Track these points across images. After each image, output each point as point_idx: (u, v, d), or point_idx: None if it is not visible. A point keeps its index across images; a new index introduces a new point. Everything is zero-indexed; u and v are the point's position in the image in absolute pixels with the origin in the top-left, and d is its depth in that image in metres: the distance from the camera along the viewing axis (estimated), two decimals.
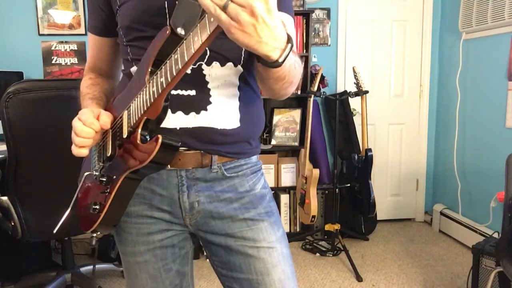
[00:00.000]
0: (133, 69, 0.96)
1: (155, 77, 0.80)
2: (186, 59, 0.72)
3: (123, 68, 1.03)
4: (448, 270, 2.76)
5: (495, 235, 2.44)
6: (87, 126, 0.88)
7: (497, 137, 2.89)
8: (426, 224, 3.67)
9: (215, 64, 0.91)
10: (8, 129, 1.73)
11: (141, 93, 0.84)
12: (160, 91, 0.79)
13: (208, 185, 0.95)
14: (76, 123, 0.89)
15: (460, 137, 3.28)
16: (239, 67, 0.94)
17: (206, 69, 0.90)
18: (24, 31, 3.13)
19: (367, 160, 2.87)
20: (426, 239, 3.32)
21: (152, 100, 0.80)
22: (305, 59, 3.25)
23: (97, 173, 0.96)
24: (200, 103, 0.90)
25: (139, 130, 0.84)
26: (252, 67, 0.96)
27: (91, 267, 2.43)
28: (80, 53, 3.18)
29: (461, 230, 3.19)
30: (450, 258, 2.96)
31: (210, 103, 0.91)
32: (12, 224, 1.87)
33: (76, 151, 0.89)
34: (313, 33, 3.42)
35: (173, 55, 0.76)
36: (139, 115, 0.84)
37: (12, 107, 1.70)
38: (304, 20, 3.23)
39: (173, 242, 1.02)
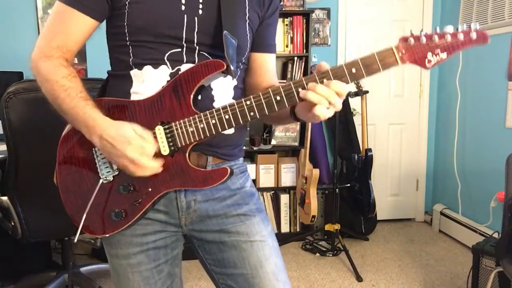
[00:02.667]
0: (134, 72, 0.95)
1: (216, 112, 0.88)
2: (267, 113, 0.87)
3: (114, 68, 1.00)
4: (448, 270, 2.76)
5: (495, 235, 2.44)
6: (151, 161, 0.88)
7: (497, 137, 2.89)
8: (426, 224, 3.67)
9: (220, 74, 0.95)
10: (8, 129, 1.73)
11: (193, 121, 0.89)
12: (226, 127, 0.89)
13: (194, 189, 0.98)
14: (141, 158, 0.85)
15: (460, 137, 3.28)
16: (235, 80, 1.02)
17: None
18: (24, 31, 3.13)
19: (367, 160, 2.87)
20: (426, 239, 3.32)
21: (213, 133, 0.89)
22: (305, 59, 3.25)
23: (108, 179, 0.94)
24: (205, 108, 0.93)
25: (187, 155, 0.91)
26: (240, 80, 1.05)
27: (91, 267, 2.43)
28: (80, 53, 3.18)
29: (461, 230, 3.19)
30: (450, 258, 2.96)
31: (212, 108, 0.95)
32: (12, 224, 1.87)
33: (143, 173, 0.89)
34: (313, 33, 3.42)
35: (245, 102, 0.87)
36: (191, 140, 0.90)
37: (12, 107, 1.70)
38: (304, 20, 3.23)
39: (166, 243, 1.03)
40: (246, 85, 1.12)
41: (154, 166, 0.88)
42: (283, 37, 3.22)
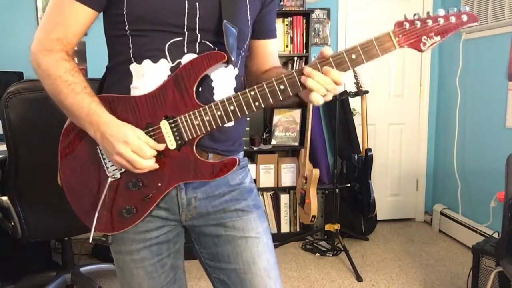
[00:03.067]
0: (133, 66, 0.94)
1: (221, 103, 0.89)
2: (271, 102, 0.88)
3: (112, 62, 0.99)
4: (448, 270, 2.76)
5: (495, 235, 2.44)
6: (149, 161, 0.89)
7: (497, 137, 2.89)
8: (426, 224, 3.67)
9: (221, 64, 0.95)
10: (8, 129, 1.73)
11: (198, 113, 0.90)
12: (232, 118, 0.90)
13: (203, 181, 0.99)
14: (137, 158, 0.87)
15: (460, 137, 3.28)
16: (236, 69, 1.01)
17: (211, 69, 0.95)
18: (24, 31, 3.13)
19: (367, 160, 2.87)
20: (426, 239, 3.32)
21: (219, 124, 0.90)
22: (305, 59, 3.25)
23: (116, 177, 0.94)
24: (205, 100, 0.93)
25: (194, 148, 0.92)
26: (241, 69, 1.04)
27: (91, 267, 2.43)
28: (80, 53, 3.18)
29: (461, 230, 3.19)
30: (450, 258, 2.96)
31: (213, 100, 0.94)
32: (12, 224, 1.87)
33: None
34: (313, 33, 3.42)
35: (249, 92, 0.88)
36: (198, 133, 0.91)
37: (12, 107, 1.70)
38: (304, 20, 3.23)
39: (168, 238, 1.04)
40: (249, 71, 1.13)
41: (149, 165, 0.89)
42: (283, 37, 3.22)
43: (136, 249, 1.01)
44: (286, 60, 3.36)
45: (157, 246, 1.03)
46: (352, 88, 2.98)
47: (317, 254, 3.02)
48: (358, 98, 2.95)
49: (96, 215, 0.95)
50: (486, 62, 2.99)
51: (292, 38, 3.22)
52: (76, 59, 3.18)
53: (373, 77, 3.51)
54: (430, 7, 3.52)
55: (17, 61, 2.78)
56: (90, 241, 0.96)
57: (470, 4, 3.06)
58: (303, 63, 3.26)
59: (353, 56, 0.85)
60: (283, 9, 3.18)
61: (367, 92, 2.89)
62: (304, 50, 3.24)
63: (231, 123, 0.99)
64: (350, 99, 3.28)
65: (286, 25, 3.21)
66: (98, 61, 3.05)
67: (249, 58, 1.11)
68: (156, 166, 0.90)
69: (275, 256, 1.05)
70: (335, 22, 3.47)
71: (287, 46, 3.24)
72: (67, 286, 2.22)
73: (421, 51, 0.85)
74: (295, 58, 3.26)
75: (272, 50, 1.13)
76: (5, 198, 1.84)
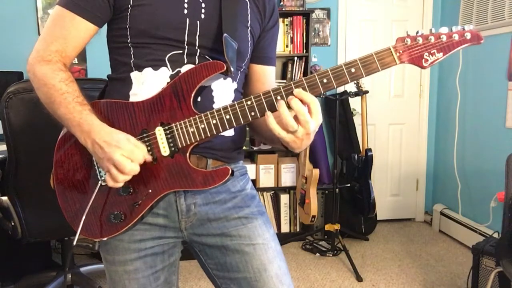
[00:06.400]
0: (134, 74, 0.95)
1: (217, 112, 0.88)
2: (265, 116, 0.85)
3: (114, 71, 1.00)
4: (448, 270, 2.76)
5: (495, 235, 2.44)
6: (136, 164, 0.86)
7: (497, 137, 2.89)
8: (426, 224, 3.67)
9: (219, 75, 0.95)
10: (8, 129, 1.73)
11: (194, 121, 0.89)
12: (227, 127, 0.88)
13: (195, 189, 0.97)
14: (125, 161, 0.84)
15: (460, 137, 3.28)
16: (235, 83, 1.02)
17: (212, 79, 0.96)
18: (24, 31, 3.13)
19: (367, 160, 2.88)
20: (426, 239, 3.32)
21: (214, 133, 0.89)
22: (305, 59, 3.25)
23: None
24: (204, 109, 0.92)
25: (188, 156, 0.90)
26: (240, 84, 1.05)
27: (91, 267, 2.43)
28: (80, 53, 3.16)
29: (461, 230, 3.19)
30: (450, 258, 2.96)
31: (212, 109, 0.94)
32: (12, 224, 1.87)
33: (114, 184, 0.87)
34: (313, 33, 3.42)
35: (246, 102, 0.87)
36: (192, 141, 0.89)
37: (12, 107, 1.70)
38: (304, 20, 3.23)
39: (163, 249, 1.02)
40: (245, 95, 1.12)
41: (133, 169, 0.86)
42: (283, 37, 3.22)
43: (130, 259, 0.99)
44: (286, 60, 3.36)
45: (152, 257, 1.00)
46: (352, 88, 2.99)
47: (317, 254, 3.02)
48: (358, 98, 2.95)
49: (83, 218, 0.93)
50: (486, 62, 2.99)
51: (292, 38, 3.23)
52: (76, 59, 3.18)
53: (373, 77, 3.50)
54: (430, 7, 3.52)
55: (17, 61, 2.78)
56: (74, 244, 0.94)
57: (470, 4, 3.06)
58: (303, 63, 3.26)
59: (353, 70, 0.84)
60: (283, 9, 3.18)
61: (367, 92, 2.89)
62: (304, 50, 3.24)
63: (231, 132, 0.99)
64: (350, 99, 3.28)
65: (286, 25, 3.21)
66: (98, 61, 3.05)
67: (245, 82, 1.10)
68: (138, 168, 0.87)
69: (286, 261, 1.03)
70: (335, 22, 3.47)
71: (287, 46, 3.24)
72: (67, 286, 2.22)
73: (423, 67, 0.85)
74: (295, 58, 3.26)
75: (268, 77, 1.11)
76: (5, 198, 1.84)
